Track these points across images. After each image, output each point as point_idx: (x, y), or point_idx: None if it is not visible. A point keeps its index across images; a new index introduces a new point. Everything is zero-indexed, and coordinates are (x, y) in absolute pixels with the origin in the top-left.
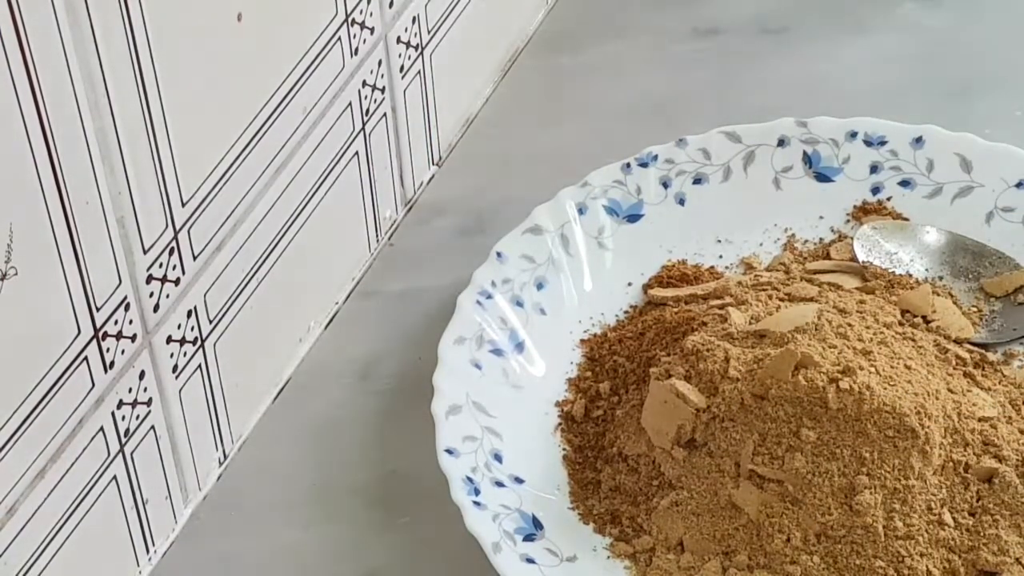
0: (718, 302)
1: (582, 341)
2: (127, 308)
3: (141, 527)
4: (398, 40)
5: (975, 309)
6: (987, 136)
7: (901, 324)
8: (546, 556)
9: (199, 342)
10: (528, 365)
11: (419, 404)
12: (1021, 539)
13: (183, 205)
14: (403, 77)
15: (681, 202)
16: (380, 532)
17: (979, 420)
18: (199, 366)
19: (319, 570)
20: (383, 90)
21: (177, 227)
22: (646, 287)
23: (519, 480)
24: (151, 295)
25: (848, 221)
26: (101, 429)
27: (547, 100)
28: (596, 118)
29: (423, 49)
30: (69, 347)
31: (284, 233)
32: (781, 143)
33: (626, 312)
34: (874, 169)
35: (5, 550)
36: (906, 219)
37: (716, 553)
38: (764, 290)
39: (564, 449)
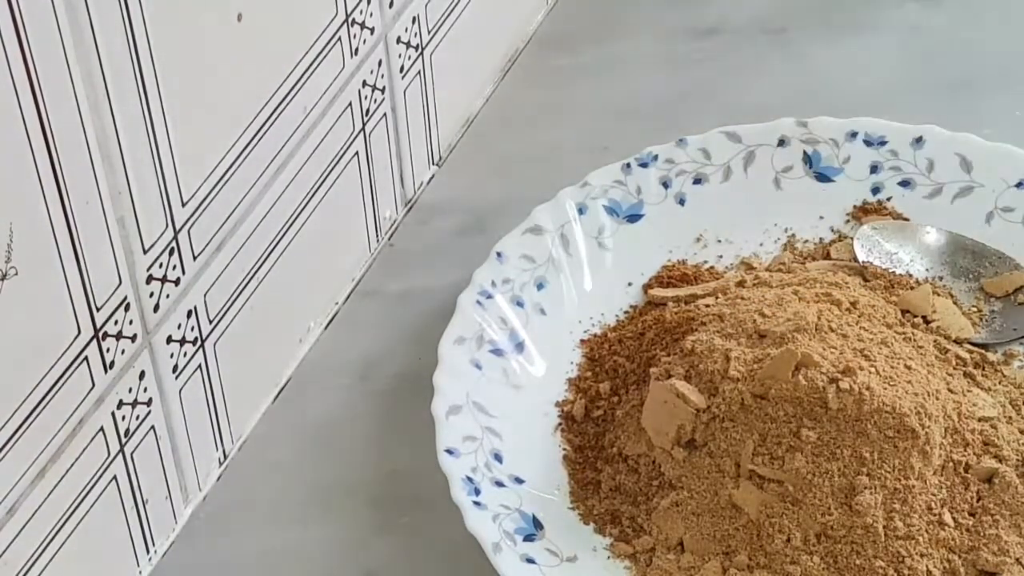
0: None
1: (582, 341)
2: (127, 308)
3: (141, 527)
4: (398, 40)
5: (975, 309)
6: (987, 136)
7: (901, 324)
8: (546, 556)
9: (199, 342)
10: (528, 365)
11: (419, 404)
12: (1021, 539)
13: (183, 205)
14: (403, 77)
15: (681, 202)
16: (380, 532)
17: (979, 420)
18: (199, 366)
19: (319, 570)
20: (383, 90)
21: (177, 227)
22: (646, 287)
23: (519, 480)
24: (151, 295)
25: (848, 221)
26: (101, 429)
27: (547, 100)
28: (596, 118)
29: (423, 49)
30: (69, 347)
31: (284, 233)
32: (781, 143)
33: (626, 312)
34: (874, 169)
35: (5, 550)
36: (906, 219)
37: (716, 553)
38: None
39: (564, 449)
